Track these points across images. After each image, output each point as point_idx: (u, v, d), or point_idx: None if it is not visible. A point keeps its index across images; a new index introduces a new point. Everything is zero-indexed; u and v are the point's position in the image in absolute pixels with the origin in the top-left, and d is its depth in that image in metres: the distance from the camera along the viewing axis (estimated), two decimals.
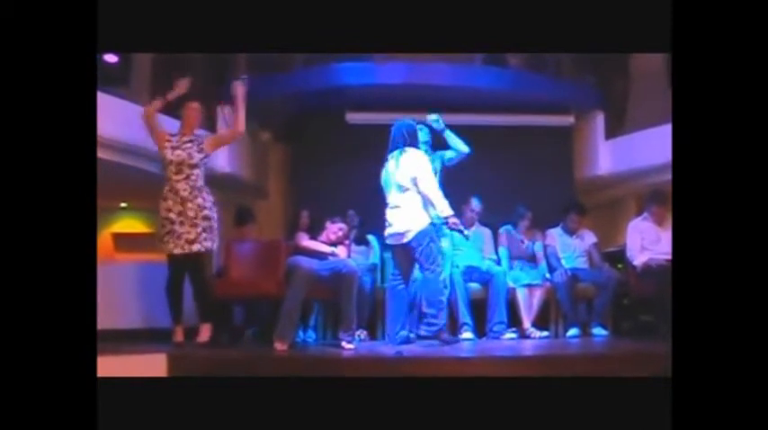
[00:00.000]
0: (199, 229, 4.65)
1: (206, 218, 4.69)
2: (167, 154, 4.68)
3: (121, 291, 5.71)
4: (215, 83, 6.32)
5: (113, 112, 5.00)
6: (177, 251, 4.65)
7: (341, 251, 4.99)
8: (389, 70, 6.26)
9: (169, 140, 4.71)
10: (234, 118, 4.89)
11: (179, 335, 4.75)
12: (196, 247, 4.65)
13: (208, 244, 4.70)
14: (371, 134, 6.50)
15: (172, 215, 4.64)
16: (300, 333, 5.24)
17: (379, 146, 6.53)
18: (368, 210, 6.00)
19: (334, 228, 5.07)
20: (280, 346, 4.29)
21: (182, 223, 4.62)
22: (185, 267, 4.73)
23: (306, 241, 5.02)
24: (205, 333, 4.72)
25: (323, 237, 5.05)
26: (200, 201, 4.68)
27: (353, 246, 5.58)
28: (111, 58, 6.27)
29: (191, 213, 4.64)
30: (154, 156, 5.02)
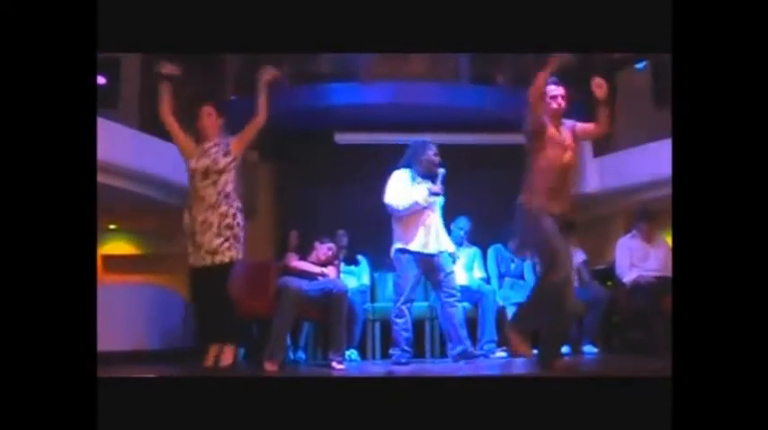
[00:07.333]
0: (221, 239, 4.34)
1: (228, 226, 4.37)
2: (192, 163, 4.40)
3: (111, 313, 5.66)
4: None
5: (102, 134, 4.93)
6: (198, 263, 4.33)
7: (330, 271, 4.99)
8: (377, 90, 6.29)
9: (195, 150, 4.43)
10: (256, 104, 4.53)
11: (209, 359, 4.32)
12: (218, 259, 4.32)
13: (232, 252, 4.37)
14: (360, 154, 6.55)
15: (195, 225, 4.35)
16: (290, 353, 5.23)
17: (367, 166, 6.58)
18: (357, 229, 6.02)
19: (324, 249, 5.06)
20: (270, 367, 4.27)
21: (203, 232, 4.33)
22: (209, 281, 4.34)
23: (295, 262, 5.02)
24: (228, 355, 4.34)
25: (312, 257, 5.05)
26: (224, 208, 4.37)
27: (343, 266, 5.58)
28: (99, 79, 6.29)
29: (213, 222, 4.34)
30: (144, 179, 4.99)
